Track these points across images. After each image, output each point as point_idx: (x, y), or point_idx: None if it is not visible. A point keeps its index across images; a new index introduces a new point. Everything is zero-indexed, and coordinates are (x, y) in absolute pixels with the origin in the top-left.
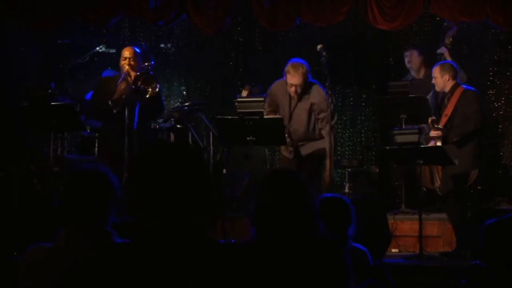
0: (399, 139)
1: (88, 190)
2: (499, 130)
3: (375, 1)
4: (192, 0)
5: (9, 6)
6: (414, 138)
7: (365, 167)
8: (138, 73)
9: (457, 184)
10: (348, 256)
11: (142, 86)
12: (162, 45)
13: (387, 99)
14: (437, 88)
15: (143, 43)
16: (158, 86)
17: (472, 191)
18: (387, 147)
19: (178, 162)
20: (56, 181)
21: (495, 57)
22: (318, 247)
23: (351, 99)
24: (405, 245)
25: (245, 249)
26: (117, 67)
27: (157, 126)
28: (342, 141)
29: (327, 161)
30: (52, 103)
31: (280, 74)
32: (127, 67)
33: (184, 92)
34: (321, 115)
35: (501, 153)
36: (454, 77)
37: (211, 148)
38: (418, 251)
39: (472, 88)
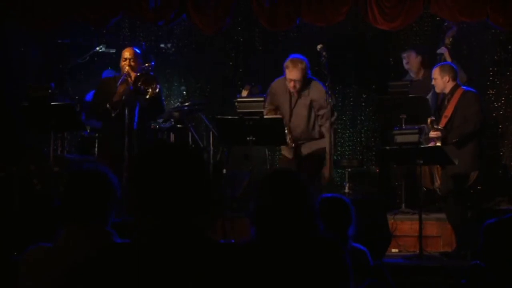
0: (399, 139)
1: (88, 190)
2: (499, 130)
3: (375, 1)
4: (192, 0)
5: (9, 6)
6: (414, 138)
7: (365, 167)
8: (138, 74)
9: (457, 185)
10: (348, 256)
11: (142, 87)
12: (162, 45)
13: (387, 99)
14: (437, 90)
15: (143, 43)
16: (158, 86)
17: (472, 191)
18: (387, 147)
19: (178, 162)
20: (56, 181)
21: (495, 57)
22: (318, 247)
23: (351, 99)
24: (405, 245)
25: (245, 249)
26: (117, 67)
27: (157, 126)
28: (342, 141)
29: (327, 158)
30: (52, 103)
31: (280, 74)
32: (127, 68)
33: (184, 92)
34: (321, 112)
35: (501, 153)
36: (454, 78)
37: (211, 148)
38: (418, 251)
39: (472, 90)
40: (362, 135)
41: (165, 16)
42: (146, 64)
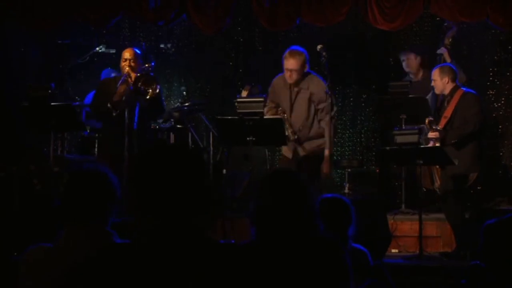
0: (399, 139)
1: (88, 190)
2: (499, 130)
3: (375, 1)
4: (192, 0)
5: (9, 6)
6: (414, 138)
7: (365, 167)
8: (138, 75)
9: (457, 185)
10: (348, 256)
11: (142, 87)
12: (162, 45)
13: (387, 99)
14: (437, 91)
15: (143, 44)
16: (158, 87)
17: (472, 191)
18: (387, 148)
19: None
20: (56, 181)
21: (495, 57)
22: (318, 247)
23: (351, 99)
24: (405, 245)
25: (245, 249)
26: (117, 67)
27: (157, 126)
28: (342, 141)
29: (326, 152)
30: (52, 103)
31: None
32: (127, 68)
33: (184, 92)
34: (321, 106)
35: (501, 153)
36: (454, 79)
37: (211, 148)
38: (418, 251)
39: (472, 91)
40: (362, 135)
41: (165, 16)
42: (146, 65)
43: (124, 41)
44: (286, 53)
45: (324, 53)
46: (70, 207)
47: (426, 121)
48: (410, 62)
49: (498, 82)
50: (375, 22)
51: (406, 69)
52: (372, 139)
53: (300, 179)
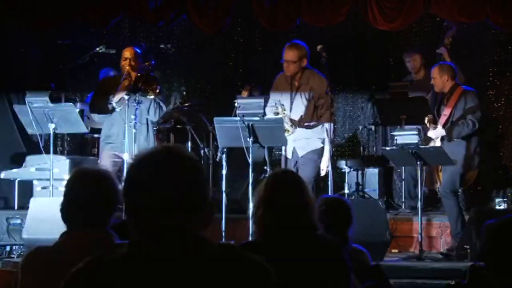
0: (399, 139)
1: (89, 191)
2: (499, 130)
3: (375, 1)
4: (192, 0)
5: (9, 6)
6: (414, 138)
7: (365, 167)
8: (139, 75)
9: (457, 185)
10: (348, 256)
11: (142, 88)
12: (162, 46)
13: (387, 99)
14: (436, 89)
15: (143, 44)
16: (158, 87)
17: (472, 191)
18: (387, 147)
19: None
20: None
21: (495, 57)
22: (318, 247)
23: (351, 99)
24: (405, 245)
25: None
26: (117, 67)
27: (157, 126)
28: (342, 141)
29: (325, 148)
30: (52, 103)
31: None
32: (127, 67)
33: (184, 92)
34: (320, 102)
35: (501, 153)
36: (453, 77)
37: (211, 148)
38: (418, 251)
39: (471, 89)
40: (362, 135)
41: (165, 17)
42: (146, 64)
43: (124, 42)
44: (286, 45)
45: (324, 54)
46: (70, 207)
47: (426, 119)
48: (416, 63)
49: (498, 82)
50: (375, 22)
51: (413, 71)
52: (372, 139)
53: (300, 179)
